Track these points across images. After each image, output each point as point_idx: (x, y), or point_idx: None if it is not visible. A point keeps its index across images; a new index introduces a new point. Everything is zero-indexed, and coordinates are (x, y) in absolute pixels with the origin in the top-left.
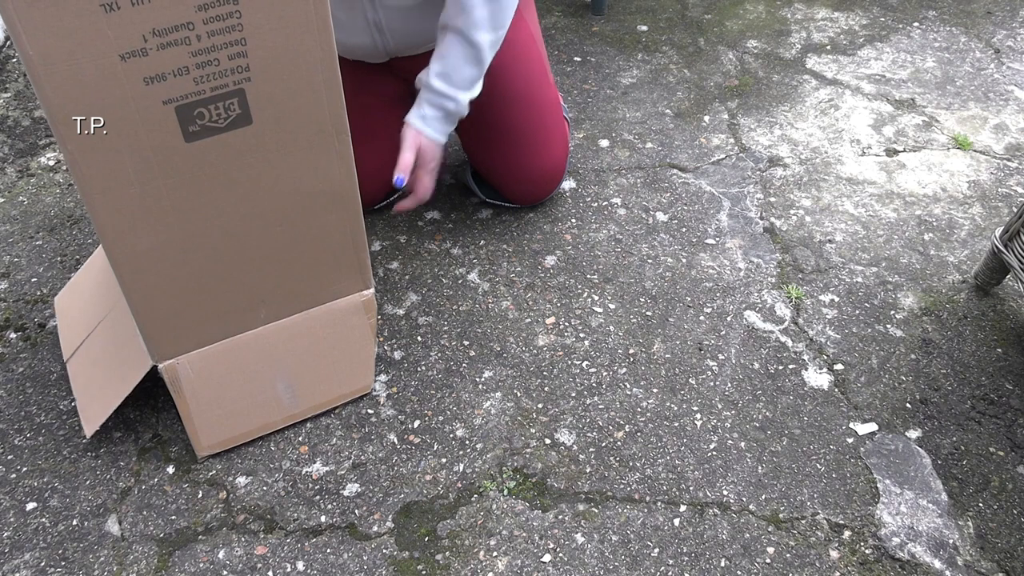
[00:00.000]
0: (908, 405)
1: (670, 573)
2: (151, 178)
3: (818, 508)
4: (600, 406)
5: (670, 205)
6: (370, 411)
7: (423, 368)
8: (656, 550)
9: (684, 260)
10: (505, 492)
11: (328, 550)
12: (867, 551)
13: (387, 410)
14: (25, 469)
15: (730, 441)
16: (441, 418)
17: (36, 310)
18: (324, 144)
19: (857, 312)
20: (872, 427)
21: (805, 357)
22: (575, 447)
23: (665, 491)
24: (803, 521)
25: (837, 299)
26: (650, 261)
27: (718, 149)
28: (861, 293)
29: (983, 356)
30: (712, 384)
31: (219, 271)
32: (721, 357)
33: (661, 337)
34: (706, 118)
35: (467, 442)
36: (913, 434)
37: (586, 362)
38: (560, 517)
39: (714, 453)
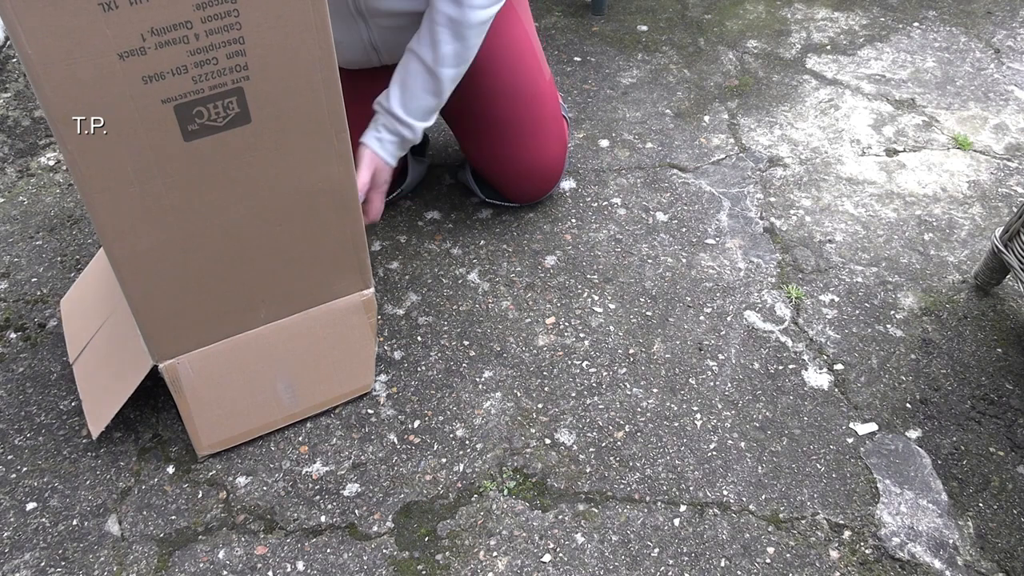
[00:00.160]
0: (908, 405)
1: (670, 573)
2: (150, 177)
3: (818, 508)
4: (600, 406)
5: (670, 205)
6: (370, 411)
7: (423, 368)
8: (656, 550)
9: (684, 260)
10: (505, 492)
11: (328, 550)
12: (867, 551)
13: (387, 410)
14: (25, 469)
15: (730, 441)
16: (441, 418)
17: (36, 310)
18: (323, 143)
19: (857, 312)
20: (872, 427)
21: (805, 357)
22: (575, 447)
23: (665, 491)
24: (803, 521)
25: (837, 299)
26: (650, 261)
27: (718, 149)
28: (861, 293)
29: (983, 356)
30: (712, 384)
31: (219, 271)
32: (721, 357)
33: (661, 337)
34: (706, 118)
35: (467, 442)
36: (913, 434)
37: (586, 362)
38: (560, 517)
39: (714, 453)
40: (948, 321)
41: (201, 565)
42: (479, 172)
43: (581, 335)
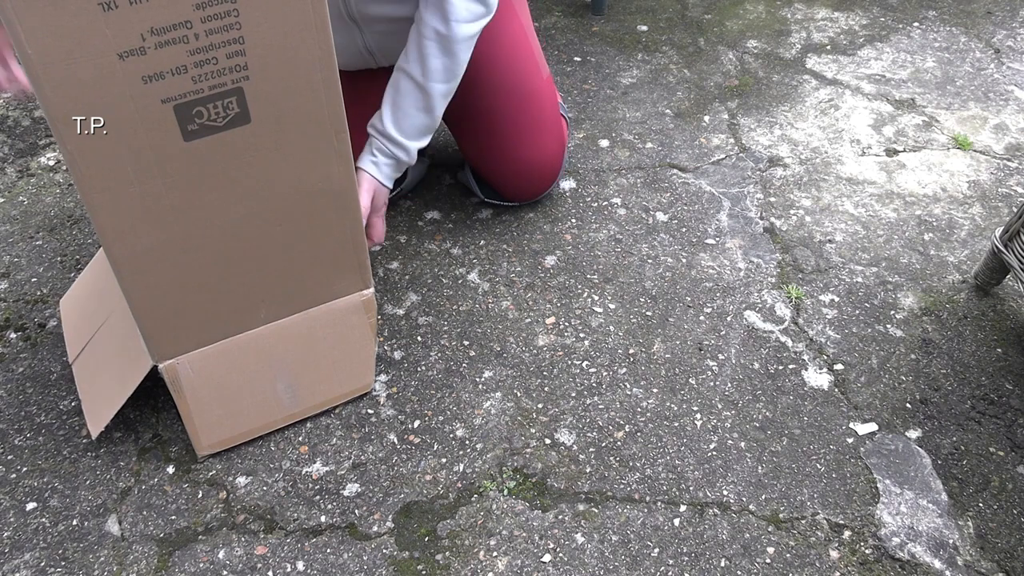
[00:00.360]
0: (908, 405)
1: (670, 573)
2: (150, 177)
3: (818, 508)
4: (600, 406)
5: (670, 205)
6: (370, 411)
7: (423, 368)
8: (656, 550)
9: (684, 260)
10: (505, 492)
11: (328, 550)
12: (867, 551)
13: (387, 410)
14: (25, 469)
15: (730, 441)
16: (441, 418)
17: (36, 310)
18: (323, 143)
19: (857, 312)
20: (872, 427)
21: (805, 357)
22: (575, 447)
23: (665, 491)
24: (803, 521)
25: (837, 299)
26: (650, 261)
27: (718, 149)
28: (861, 293)
29: (983, 356)
30: (712, 384)
31: (219, 271)
32: (721, 357)
33: (661, 337)
34: (706, 118)
35: (467, 442)
36: (913, 434)
37: (586, 362)
38: (560, 517)
39: (714, 453)
40: (948, 321)
41: (201, 565)
42: (476, 170)
43: (581, 335)
